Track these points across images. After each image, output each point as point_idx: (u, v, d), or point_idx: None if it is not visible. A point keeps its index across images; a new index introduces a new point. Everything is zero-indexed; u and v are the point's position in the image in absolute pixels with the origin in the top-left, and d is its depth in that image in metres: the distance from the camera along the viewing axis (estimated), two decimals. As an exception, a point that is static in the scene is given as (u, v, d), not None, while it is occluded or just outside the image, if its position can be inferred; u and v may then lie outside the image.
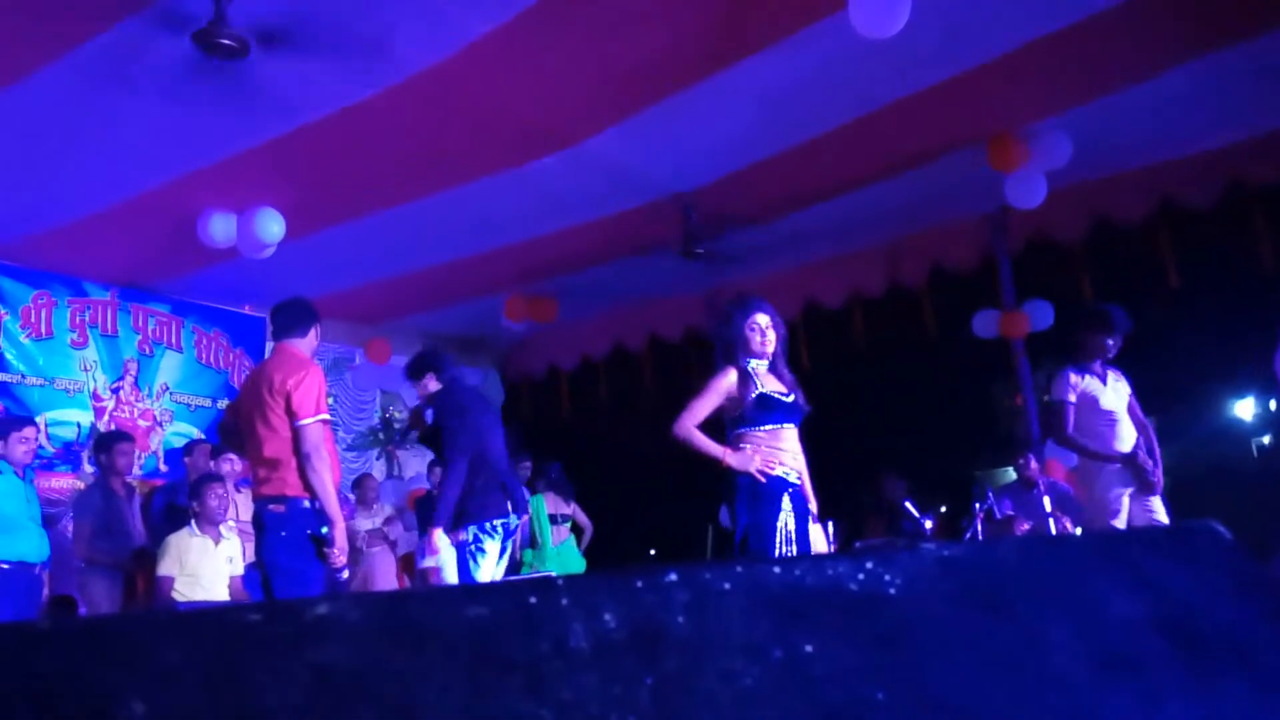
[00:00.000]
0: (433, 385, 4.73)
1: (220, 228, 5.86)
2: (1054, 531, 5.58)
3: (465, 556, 4.58)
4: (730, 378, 3.69)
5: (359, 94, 4.70)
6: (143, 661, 0.49)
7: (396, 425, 8.75)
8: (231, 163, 5.31)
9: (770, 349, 3.74)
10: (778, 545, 3.53)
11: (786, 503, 3.58)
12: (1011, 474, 6.52)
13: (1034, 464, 5.99)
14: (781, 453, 3.64)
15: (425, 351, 5.10)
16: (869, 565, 0.68)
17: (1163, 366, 7.16)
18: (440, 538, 4.56)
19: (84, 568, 5.70)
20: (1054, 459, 6.52)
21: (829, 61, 4.65)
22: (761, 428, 3.66)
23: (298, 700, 0.50)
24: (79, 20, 4.01)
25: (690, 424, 3.69)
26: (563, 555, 6.97)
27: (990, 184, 5.79)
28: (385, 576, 6.61)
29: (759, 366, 3.72)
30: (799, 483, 3.65)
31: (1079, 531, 5.99)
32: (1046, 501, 5.55)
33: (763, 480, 3.56)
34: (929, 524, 5.34)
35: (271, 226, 5.76)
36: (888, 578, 0.68)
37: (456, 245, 6.74)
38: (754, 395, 3.64)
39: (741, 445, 3.66)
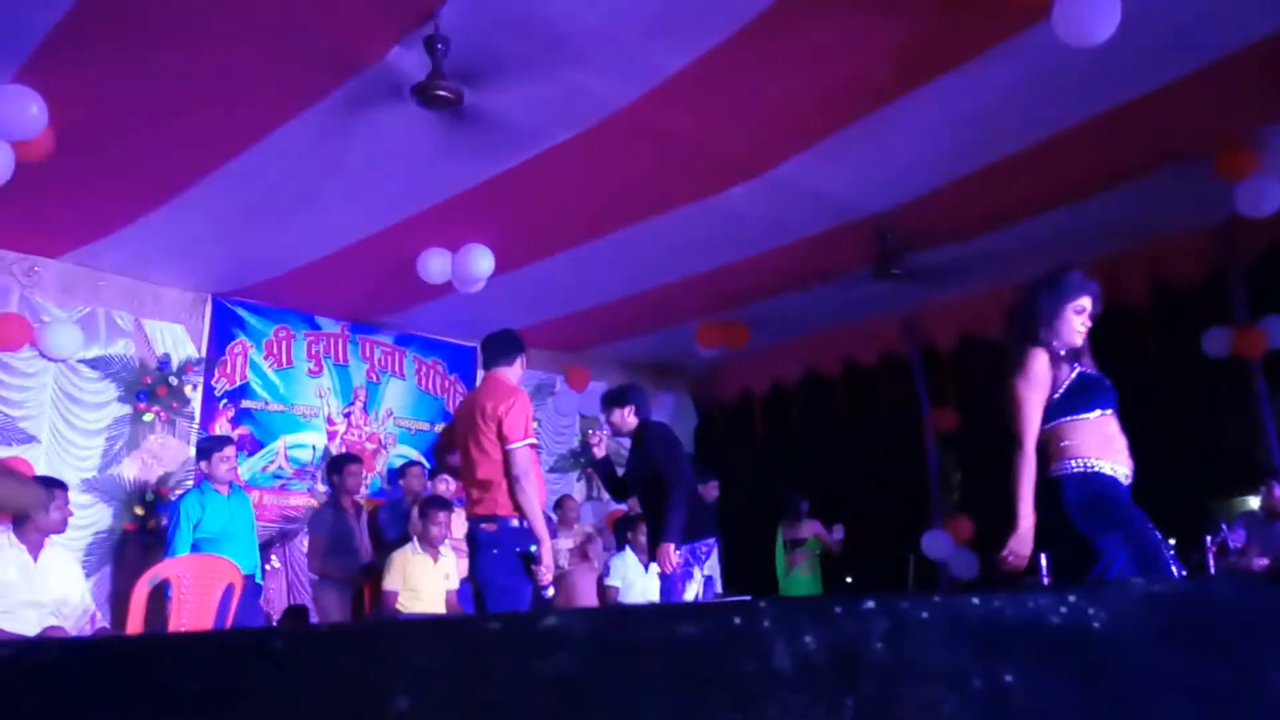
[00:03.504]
0: (631, 419, 4.93)
1: (436, 265, 6.29)
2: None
3: (673, 581, 4.66)
4: (1041, 360, 3.21)
5: (559, 136, 4.94)
6: (404, 663, 0.58)
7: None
8: (446, 205, 5.70)
9: (1082, 340, 3.28)
10: (1164, 551, 2.98)
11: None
12: (1250, 504, 5.97)
13: (1278, 491, 5.47)
14: (1112, 446, 3.13)
15: (629, 385, 5.32)
16: (1071, 599, 0.68)
17: None
18: (674, 553, 4.65)
19: (317, 580, 6.22)
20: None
21: (1032, 74, 4.47)
22: (1084, 415, 3.14)
23: (533, 701, 0.57)
24: (312, 81, 4.44)
25: (1031, 443, 3.16)
26: (790, 582, 6.99)
27: (1216, 193, 5.38)
28: (587, 593, 6.83)
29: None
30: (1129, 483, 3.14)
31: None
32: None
33: (1098, 483, 3.04)
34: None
35: (482, 263, 6.12)
36: (1091, 611, 0.68)
37: (650, 275, 6.92)
38: (1075, 375, 3.18)
39: (1062, 442, 3.13)
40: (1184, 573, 2.99)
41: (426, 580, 5.46)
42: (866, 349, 8.22)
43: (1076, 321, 3.25)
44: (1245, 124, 5.04)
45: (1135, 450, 3.24)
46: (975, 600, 0.67)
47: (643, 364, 9.32)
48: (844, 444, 8.50)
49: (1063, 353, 3.26)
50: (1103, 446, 3.13)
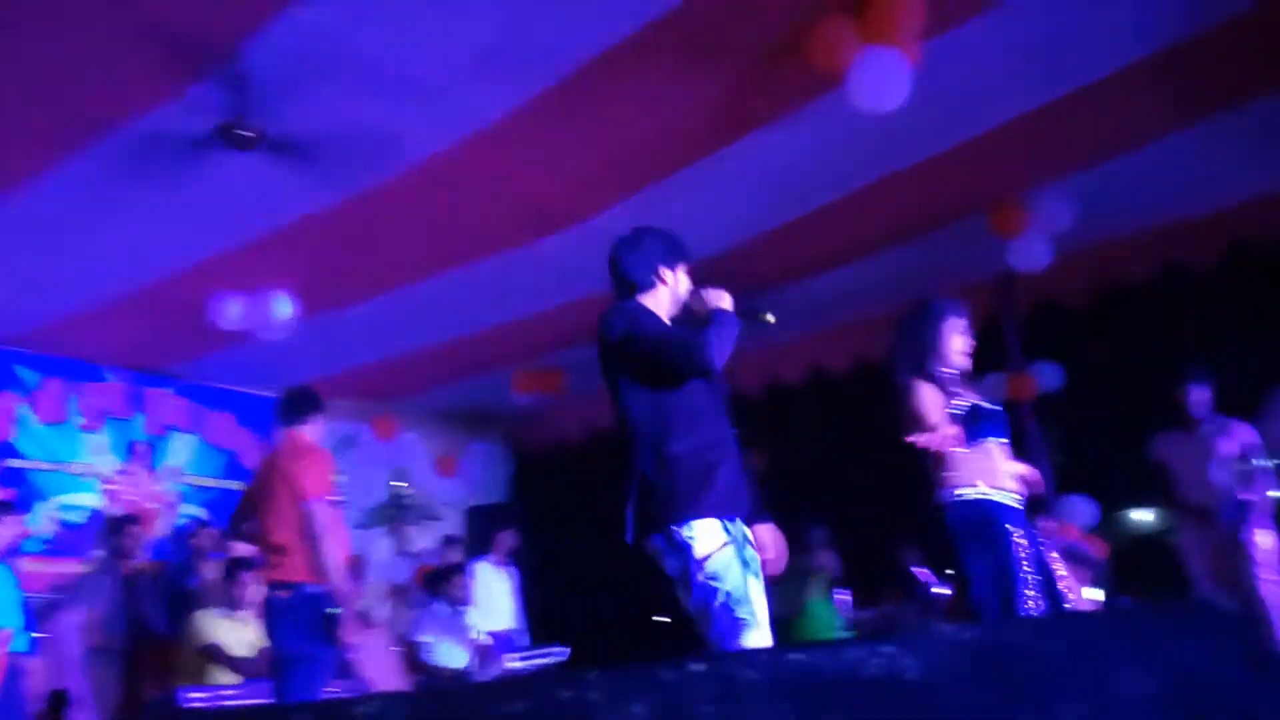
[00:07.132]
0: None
1: (232, 311, 5.94)
2: (1066, 593, 5.51)
3: None
4: (930, 393, 3.14)
5: (369, 180, 4.81)
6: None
7: (405, 501, 8.77)
8: (244, 248, 5.41)
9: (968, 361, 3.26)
10: (1022, 590, 2.92)
11: (1019, 535, 3.00)
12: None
13: (1047, 525, 5.98)
14: (1000, 475, 3.10)
15: None
16: (886, 649, 0.70)
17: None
18: None
19: (91, 652, 5.65)
20: (1069, 521, 6.47)
21: (830, 135, 4.75)
22: (974, 445, 3.09)
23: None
24: (101, 115, 4.15)
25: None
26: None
27: (994, 249, 5.85)
28: (375, 661, 6.46)
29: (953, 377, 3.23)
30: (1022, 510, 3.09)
31: (1099, 593, 5.93)
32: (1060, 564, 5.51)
33: (979, 510, 2.99)
34: (945, 591, 5.29)
35: (282, 308, 5.84)
36: (906, 661, 0.70)
37: (463, 322, 6.82)
38: (968, 407, 3.10)
39: (949, 470, 3.08)
40: (1040, 608, 3.02)
41: (236, 645, 5.11)
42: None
43: (960, 342, 3.24)
44: (1017, 187, 5.53)
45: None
46: (799, 655, 0.68)
47: (455, 413, 9.13)
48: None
49: (947, 376, 3.22)
50: (988, 473, 3.10)
